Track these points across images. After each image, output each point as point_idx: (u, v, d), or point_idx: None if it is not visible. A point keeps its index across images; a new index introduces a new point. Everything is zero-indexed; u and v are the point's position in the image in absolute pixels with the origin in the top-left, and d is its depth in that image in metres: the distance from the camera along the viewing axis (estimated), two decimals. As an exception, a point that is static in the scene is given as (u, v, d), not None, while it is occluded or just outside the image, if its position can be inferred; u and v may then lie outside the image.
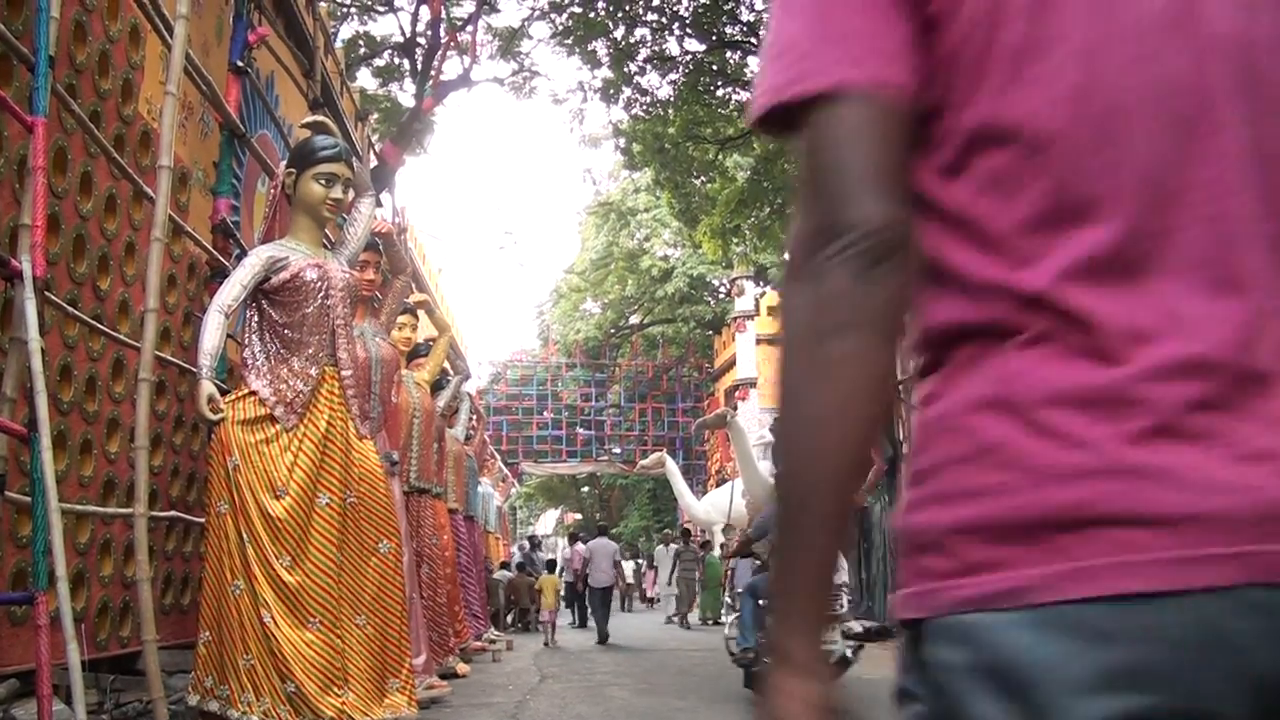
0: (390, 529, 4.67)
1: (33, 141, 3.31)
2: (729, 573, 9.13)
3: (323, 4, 9.31)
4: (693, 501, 17.55)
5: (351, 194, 4.87)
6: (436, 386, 7.90)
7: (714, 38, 13.02)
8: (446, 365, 8.28)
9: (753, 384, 21.51)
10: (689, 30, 12.95)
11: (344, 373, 4.55)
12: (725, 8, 12.66)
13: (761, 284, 22.71)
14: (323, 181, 4.59)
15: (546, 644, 11.78)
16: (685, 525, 19.49)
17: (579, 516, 36.69)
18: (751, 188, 13.33)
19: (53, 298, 3.71)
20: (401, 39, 11.89)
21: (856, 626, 9.62)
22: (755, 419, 19.66)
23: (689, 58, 13.28)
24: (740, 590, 8.42)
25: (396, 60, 12.91)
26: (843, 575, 11.67)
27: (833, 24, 0.72)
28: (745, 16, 13.21)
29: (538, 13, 12.99)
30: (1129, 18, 0.70)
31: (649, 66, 13.29)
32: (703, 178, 14.74)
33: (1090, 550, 0.63)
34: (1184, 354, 0.66)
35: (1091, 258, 0.68)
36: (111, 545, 4.47)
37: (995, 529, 0.66)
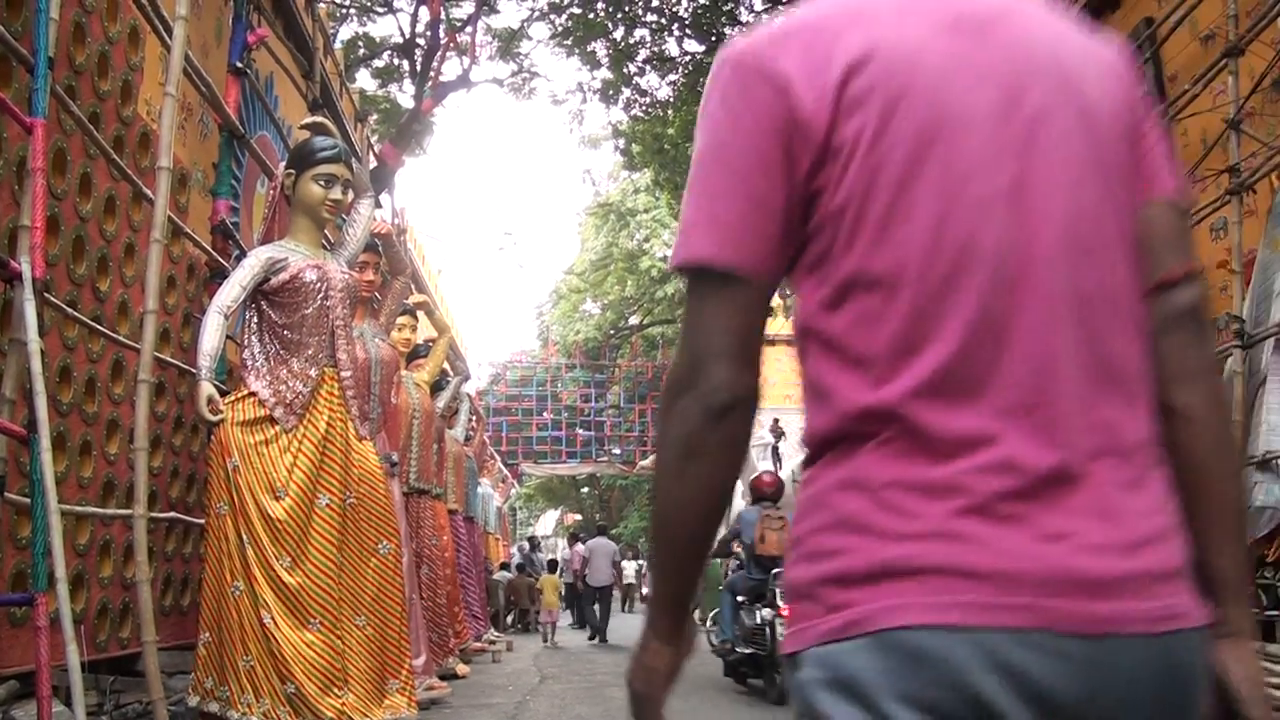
0: (390, 530, 4.68)
1: (32, 143, 3.31)
2: (729, 573, 9.14)
3: (322, 5, 9.32)
4: None
5: (351, 195, 4.87)
6: (436, 387, 7.90)
7: (713, 38, 13.02)
8: (446, 366, 8.28)
9: (752, 384, 21.45)
10: (688, 31, 12.95)
11: (343, 374, 4.55)
12: (724, 8, 12.66)
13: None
14: (322, 182, 4.59)
15: (546, 643, 11.78)
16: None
17: (579, 517, 36.68)
18: (751, 188, 13.31)
19: (52, 299, 3.71)
20: (401, 40, 11.89)
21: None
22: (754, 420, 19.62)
23: (688, 58, 13.28)
24: (721, 588, 8.48)
25: (396, 61, 12.91)
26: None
27: (715, 214, 0.93)
28: (744, 17, 13.21)
29: (537, 14, 13.00)
30: (972, 194, 0.89)
31: (648, 67, 13.30)
32: (702, 178, 14.72)
33: (914, 591, 0.83)
34: (999, 457, 0.85)
35: (930, 381, 0.87)
36: (111, 546, 4.47)
37: (848, 578, 0.86)
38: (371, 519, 4.58)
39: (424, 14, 11.00)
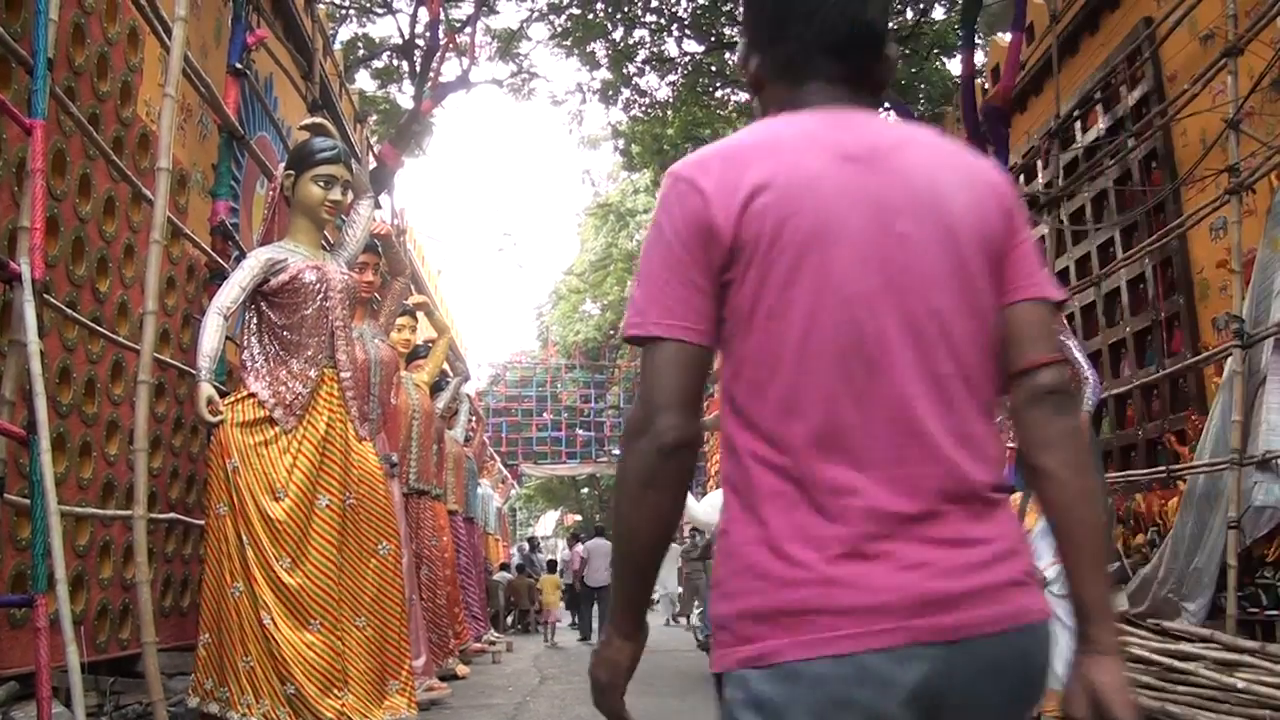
0: (390, 531, 4.67)
1: (31, 144, 3.31)
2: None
3: (321, 6, 9.31)
4: (693, 502, 17.46)
5: (350, 196, 4.86)
6: (436, 388, 7.90)
7: (712, 39, 13.02)
8: (446, 367, 8.28)
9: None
10: (687, 31, 12.95)
11: (343, 374, 4.54)
12: (724, 9, 12.65)
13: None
14: (321, 183, 4.59)
15: (547, 643, 11.79)
16: (686, 525, 19.47)
17: (579, 518, 36.66)
18: (750, 188, 13.31)
19: (52, 300, 3.71)
20: (400, 41, 11.87)
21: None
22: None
23: (688, 59, 13.27)
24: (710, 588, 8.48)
25: (395, 62, 12.90)
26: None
27: (660, 294, 1.18)
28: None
29: (536, 14, 12.99)
30: (840, 295, 1.13)
31: (648, 68, 13.29)
32: (702, 179, 14.72)
33: (805, 629, 1.06)
34: (866, 506, 1.09)
35: (805, 443, 1.12)
36: (111, 547, 4.47)
37: (753, 616, 1.10)
38: (371, 520, 4.57)
39: (423, 15, 10.99)
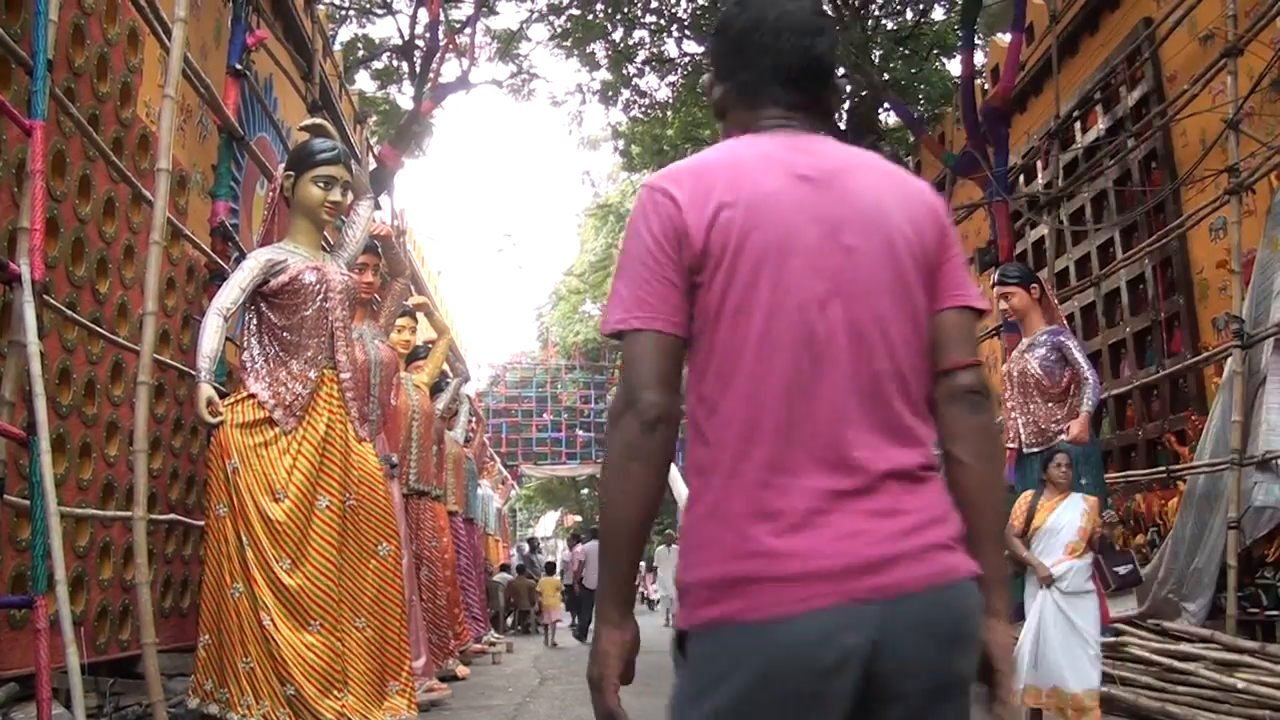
0: (389, 532, 4.67)
1: (31, 145, 3.31)
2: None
3: (321, 7, 9.31)
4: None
5: (350, 197, 4.86)
6: (436, 389, 7.90)
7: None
8: (446, 367, 8.27)
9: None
10: (687, 32, 12.95)
11: (343, 375, 4.54)
12: (723, 9, 12.67)
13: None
14: (321, 184, 4.58)
15: (547, 645, 11.79)
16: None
17: (579, 519, 36.64)
18: (750, 189, 13.32)
19: (51, 301, 3.71)
20: (400, 41, 11.87)
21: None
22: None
23: (687, 59, 13.27)
24: None
25: (395, 63, 12.90)
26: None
27: (638, 291, 1.32)
28: (744, 18, 13.22)
29: (536, 15, 12.99)
30: (795, 299, 1.28)
31: (647, 68, 13.30)
32: (702, 179, 14.72)
33: (756, 594, 1.21)
34: (807, 485, 1.24)
35: (760, 426, 1.26)
36: (111, 548, 4.47)
37: (710, 584, 1.25)
38: (371, 521, 4.57)
39: (423, 15, 11.00)
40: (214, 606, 4.13)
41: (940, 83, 11.94)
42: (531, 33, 13.62)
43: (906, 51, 11.99)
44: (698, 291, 1.31)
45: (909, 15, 12.65)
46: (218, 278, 5.23)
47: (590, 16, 12.50)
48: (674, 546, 17.41)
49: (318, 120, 5.14)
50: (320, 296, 4.49)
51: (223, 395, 4.46)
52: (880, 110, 12.49)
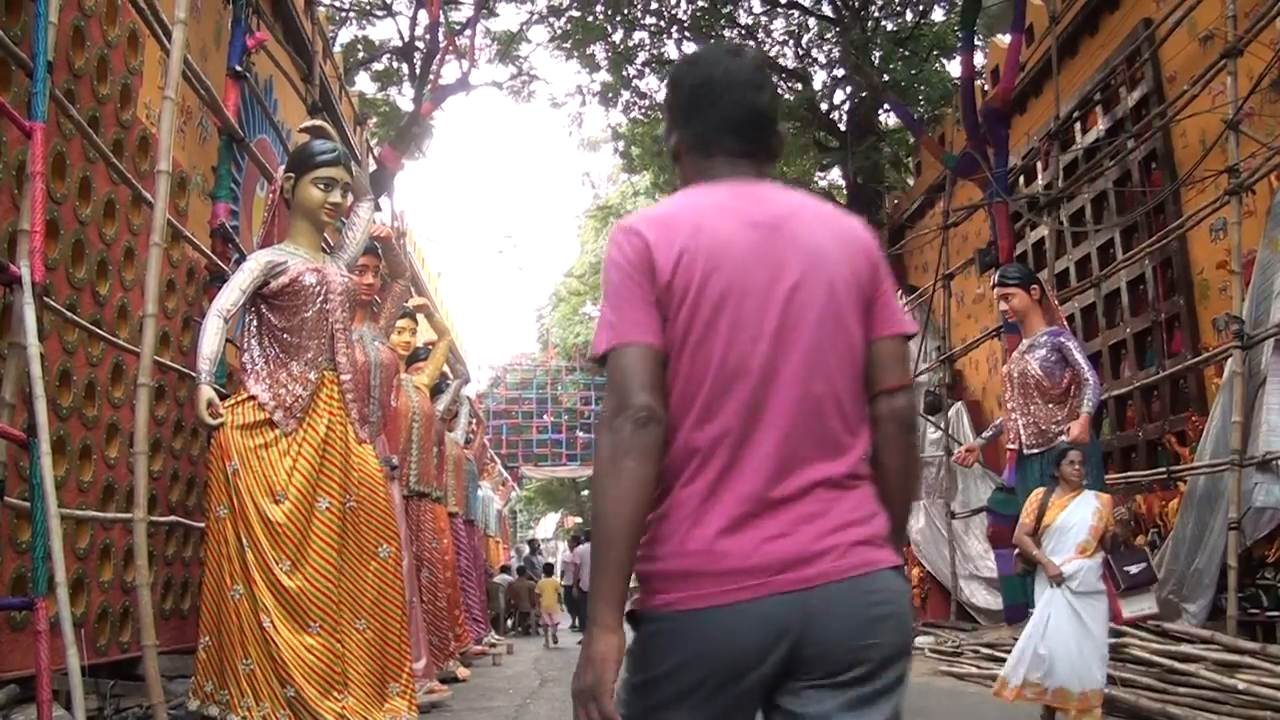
0: (390, 533, 4.67)
1: (31, 147, 3.31)
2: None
3: (321, 8, 9.32)
4: None
5: (350, 198, 4.86)
6: (436, 390, 7.89)
7: (712, 40, 13.02)
8: (446, 369, 8.27)
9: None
10: (687, 33, 12.95)
11: (343, 377, 4.54)
12: (723, 11, 12.66)
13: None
14: (321, 186, 4.58)
15: (547, 646, 11.79)
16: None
17: (579, 520, 36.62)
18: (750, 190, 13.32)
19: (52, 303, 3.71)
20: (400, 43, 11.88)
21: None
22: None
23: (687, 61, 13.27)
24: None
25: (395, 64, 12.90)
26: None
27: (623, 313, 1.49)
28: (743, 19, 13.21)
29: (536, 17, 13.00)
30: (748, 333, 1.48)
31: (647, 70, 13.30)
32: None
33: (696, 586, 1.42)
34: (749, 493, 1.44)
35: (715, 441, 1.46)
36: (111, 550, 4.47)
37: (660, 576, 1.45)
38: (371, 522, 4.57)
39: (423, 17, 11.00)
40: (214, 608, 4.13)
41: (940, 84, 11.94)
42: (531, 34, 13.66)
43: (906, 53, 12.00)
44: (664, 322, 1.50)
45: (909, 16, 12.66)
46: (218, 279, 5.23)
47: (590, 18, 12.51)
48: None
49: (318, 122, 5.14)
50: (320, 298, 4.49)
51: (223, 397, 4.45)
52: (880, 111, 12.50)
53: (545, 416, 27.88)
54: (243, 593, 4.07)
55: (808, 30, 13.30)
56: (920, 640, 8.74)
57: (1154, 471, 6.89)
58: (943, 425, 10.09)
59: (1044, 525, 4.64)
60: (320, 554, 4.24)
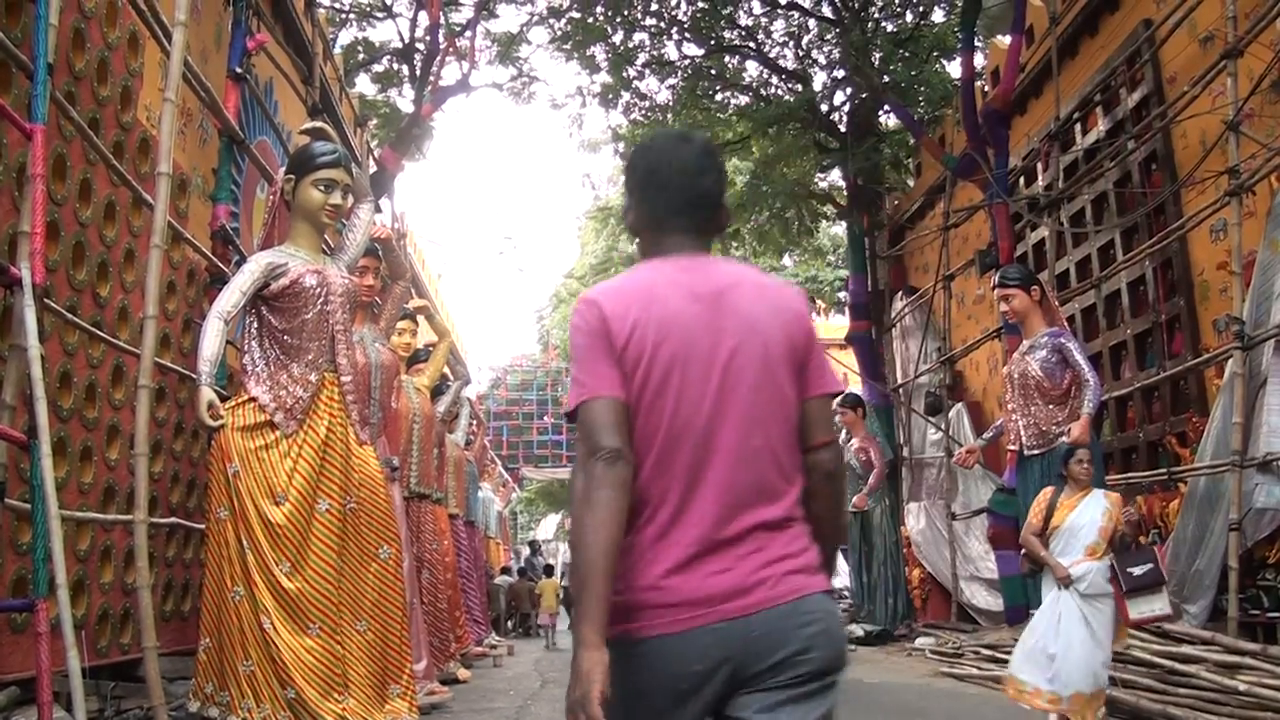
0: (390, 534, 4.67)
1: (32, 149, 3.32)
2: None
3: (321, 10, 9.32)
4: None
5: (350, 200, 4.86)
6: (436, 392, 7.89)
7: (712, 42, 13.02)
8: (446, 370, 8.28)
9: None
10: (687, 35, 12.94)
11: (344, 378, 4.54)
12: (723, 12, 12.65)
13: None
14: (322, 187, 4.59)
15: (548, 647, 11.78)
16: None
17: (580, 521, 36.57)
18: (750, 192, 13.32)
19: (52, 305, 3.71)
20: (400, 45, 11.87)
21: (857, 630, 9.61)
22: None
23: (688, 62, 13.27)
24: None
25: (395, 66, 12.88)
26: (843, 579, 11.66)
27: (590, 372, 1.70)
28: (744, 21, 13.21)
29: (536, 18, 12.99)
30: (692, 395, 1.69)
31: (648, 71, 13.28)
32: (702, 182, 14.68)
33: (649, 617, 1.64)
34: (694, 535, 1.66)
35: (666, 493, 1.68)
36: (112, 552, 4.47)
37: (620, 607, 1.63)
38: (372, 524, 4.57)
39: (423, 19, 11.01)
40: (214, 610, 4.13)
41: (940, 85, 11.92)
42: (531, 36, 13.63)
43: (906, 54, 11.98)
44: (625, 381, 1.70)
45: (909, 17, 12.65)
46: (218, 281, 5.23)
47: (590, 19, 12.49)
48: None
49: (318, 123, 5.14)
50: (321, 300, 4.49)
51: (224, 398, 4.46)
52: (880, 113, 12.49)
53: (546, 418, 27.86)
54: (243, 594, 4.07)
55: (808, 31, 13.27)
56: (921, 641, 8.74)
57: (1154, 473, 6.89)
58: (943, 426, 10.08)
59: (1052, 526, 4.58)
60: (320, 555, 4.24)
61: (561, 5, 12.64)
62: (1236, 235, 5.91)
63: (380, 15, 12.50)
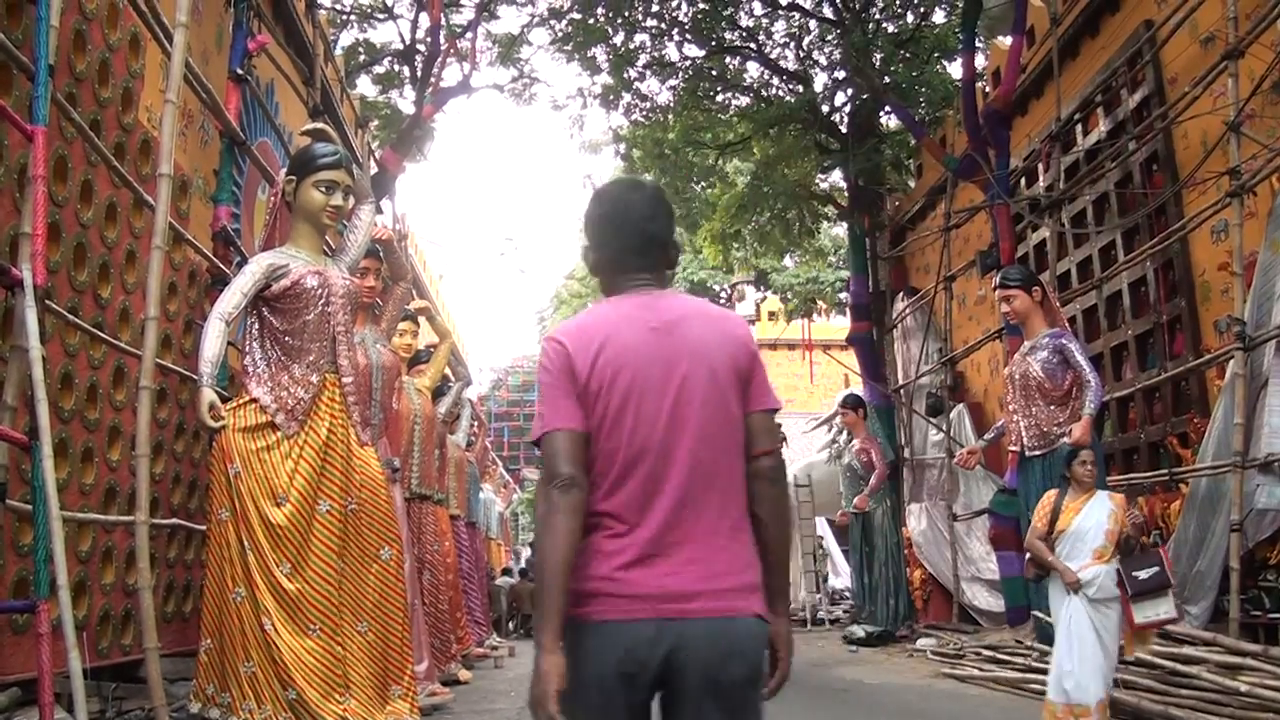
0: (391, 536, 4.67)
1: (33, 150, 3.32)
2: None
3: (322, 11, 9.33)
4: None
5: (351, 201, 4.87)
6: (438, 393, 7.89)
7: (713, 43, 13.02)
8: (448, 371, 8.27)
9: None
10: (688, 36, 12.94)
11: (345, 380, 4.54)
12: (724, 13, 12.65)
13: (762, 289, 22.67)
14: (323, 188, 4.59)
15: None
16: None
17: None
18: (751, 193, 13.32)
19: (53, 306, 3.71)
20: (401, 46, 11.87)
21: (859, 631, 9.61)
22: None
23: (688, 63, 13.27)
24: None
25: (396, 67, 12.89)
26: (844, 580, 11.65)
27: (552, 407, 1.93)
28: (744, 22, 13.21)
29: (537, 19, 12.99)
30: (648, 420, 1.90)
31: (648, 72, 13.28)
32: (703, 183, 14.71)
33: (601, 605, 1.85)
34: (645, 538, 1.88)
35: (624, 504, 1.89)
36: (113, 553, 4.47)
37: (578, 593, 1.85)
38: (373, 525, 4.57)
39: (424, 20, 11.01)
40: (215, 611, 4.13)
41: (941, 86, 11.92)
42: (532, 37, 13.65)
43: (907, 55, 11.99)
44: (587, 410, 1.91)
45: (910, 18, 12.65)
46: (219, 282, 5.24)
47: (591, 21, 12.49)
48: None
49: (319, 125, 5.14)
50: (322, 301, 4.50)
51: (225, 400, 4.46)
52: (881, 113, 12.49)
53: (547, 419, 27.85)
54: (244, 595, 4.07)
55: (809, 32, 13.27)
56: (922, 642, 8.73)
57: (1156, 473, 6.88)
58: (944, 427, 10.08)
59: (1058, 530, 4.51)
60: (321, 557, 4.24)
61: (562, 6, 12.65)
62: (1237, 236, 5.91)
63: (381, 17, 12.51)
